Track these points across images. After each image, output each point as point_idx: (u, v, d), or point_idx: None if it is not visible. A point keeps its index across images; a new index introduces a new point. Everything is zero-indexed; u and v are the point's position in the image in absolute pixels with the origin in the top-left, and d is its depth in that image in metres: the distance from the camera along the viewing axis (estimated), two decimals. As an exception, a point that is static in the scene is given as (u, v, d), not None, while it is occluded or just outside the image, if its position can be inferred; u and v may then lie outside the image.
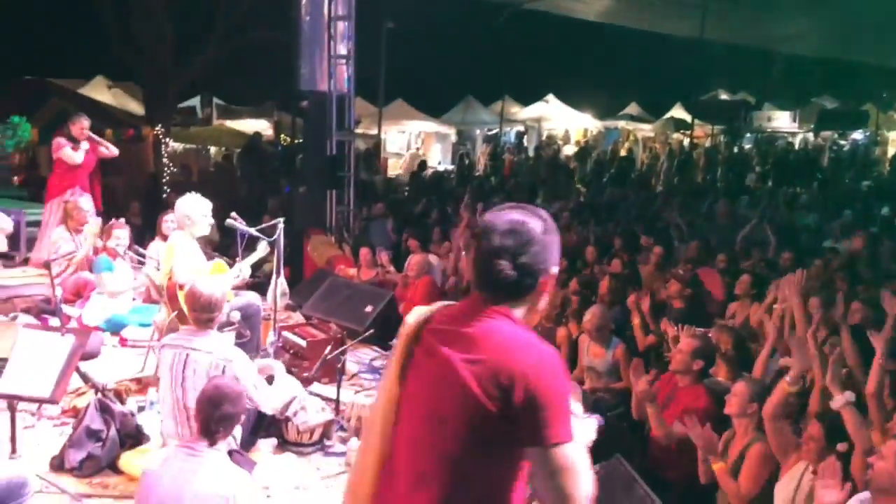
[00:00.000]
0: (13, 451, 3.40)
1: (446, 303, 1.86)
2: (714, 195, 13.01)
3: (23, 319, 5.74)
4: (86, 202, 7.30)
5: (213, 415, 2.83)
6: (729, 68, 25.20)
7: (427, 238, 8.87)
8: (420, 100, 22.21)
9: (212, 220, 5.27)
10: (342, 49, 9.64)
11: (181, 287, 4.95)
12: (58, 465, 3.78)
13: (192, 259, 5.09)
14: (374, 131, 18.91)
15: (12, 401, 3.31)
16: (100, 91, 17.32)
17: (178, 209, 5.21)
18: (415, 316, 1.83)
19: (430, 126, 23.06)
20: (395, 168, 21.50)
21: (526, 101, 23.97)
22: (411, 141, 24.32)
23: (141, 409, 4.42)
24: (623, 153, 21.93)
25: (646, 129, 24.51)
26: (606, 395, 4.94)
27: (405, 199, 13.78)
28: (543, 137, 24.65)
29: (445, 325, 1.75)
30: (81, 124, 7.56)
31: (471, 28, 21.18)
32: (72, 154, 7.37)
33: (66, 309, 6.28)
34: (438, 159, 24.34)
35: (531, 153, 22.25)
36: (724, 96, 26.08)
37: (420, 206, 11.83)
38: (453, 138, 24.55)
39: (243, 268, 5.24)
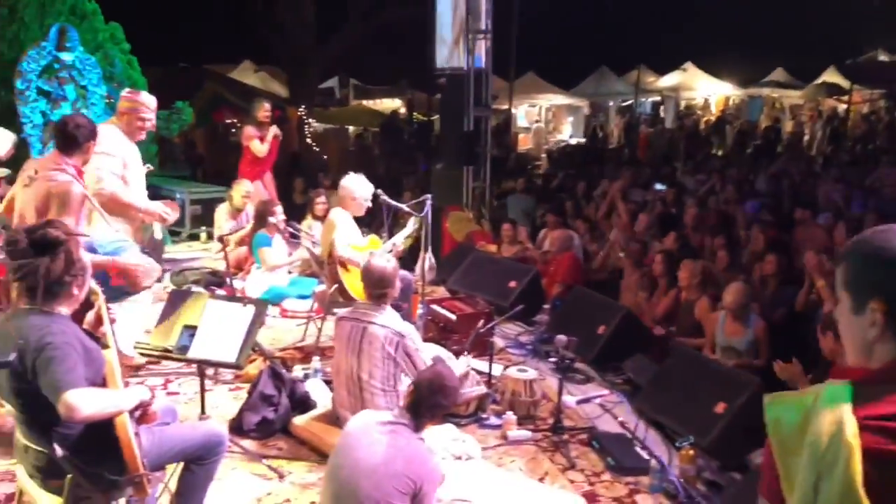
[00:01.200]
0: (203, 411, 3.69)
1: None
2: (875, 165, 12.01)
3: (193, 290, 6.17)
4: (247, 184, 7.69)
5: (427, 401, 2.85)
6: (889, 26, 23.06)
7: (563, 212, 8.77)
8: (551, 73, 21.85)
9: (369, 203, 5.47)
10: (480, 24, 9.64)
11: (342, 262, 5.18)
12: (236, 427, 4.07)
13: (350, 235, 5.30)
14: (505, 106, 18.84)
15: (201, 365, 3.58)
16: (247, 75, 18.26)
17: (342, 187, 5.43)
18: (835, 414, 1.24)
19: (562, 99, 22.69)
20: (524, 143, 21.35)
21: (662, 69, 23.02)
22: (542, 115, 24.03)
23: (306, 376, 4.67)
24: (767, 123, 20.66)
25: (794, 96, 22.93)
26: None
27: (537, 174, 13.68)
28: (681, 108, 23.63)
29: None
30: (265, 109, 7.96)
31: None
32: (259, 147, 7.78)
33: (229, 282, 6.75)
34: (570, 133, 23.93)
35: (668, 124, 21.41)
36: (883, 57, 23.93)
37: (556, 181, 11.70)
38: (586, 111, 24.04)
39: (396, 241, 5.39)
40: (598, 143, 19.36)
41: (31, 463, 2.60)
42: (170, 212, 4.91)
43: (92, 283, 2.72)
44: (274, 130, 7.90)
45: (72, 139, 4.09)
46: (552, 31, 21.03)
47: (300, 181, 10.29)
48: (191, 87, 13.94)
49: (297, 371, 4.76)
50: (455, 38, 9.92)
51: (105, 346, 2.65)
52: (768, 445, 1.32)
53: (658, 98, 24.00)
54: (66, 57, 8.17)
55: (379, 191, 5.50)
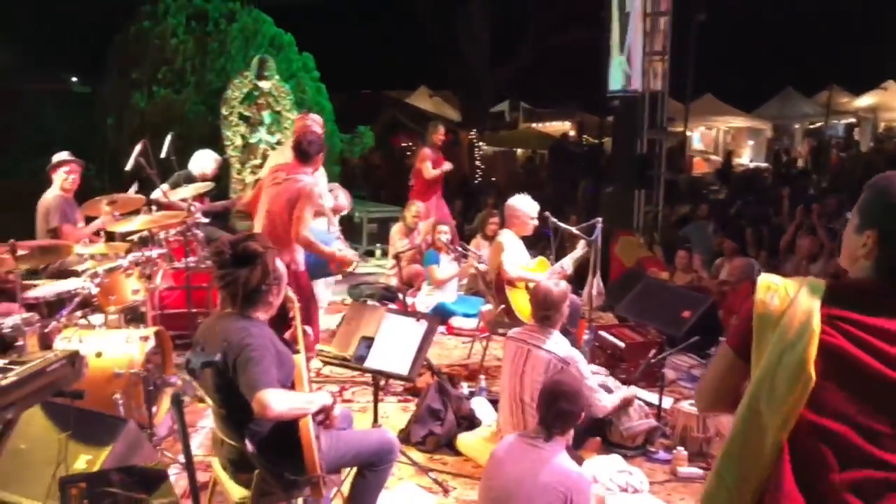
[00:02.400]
0: (375, 420, 3.86)
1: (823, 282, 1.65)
2: None
3: (370, 304, 6.48)
4: (419, 204, 7.98)
5: (551, 409, 2.92)
6: None
7: (742, 240, 8.27)
8: (731, 94, 20.84)
9: (536, 222, 5.48)
10: (657, 46, 9.42)
11: (510, 281, 5.22)
12: (404, 438, 4.21)
13: (518, 255, 5.35)
14: (680, 129, 18.19)
15: (376, 376, 3.75)
16: (422, 100, 19.01)
17: (508, 207, 5.50)
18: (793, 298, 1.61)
19: (742, 121, 21.55)
20: (699, 167, 20.47)
21: (858, 89, 21.23)
22: (719, 138, 22.95)
23: (472, 394, 4.74)
24: None
25: None
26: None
27: (719, 200, 13.04)
28: (880, 130, 21.64)
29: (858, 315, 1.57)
30: (440, 132, 8.35)
31: (791, 14, 19.34)
32: (430, 171, 8.15)
33: (401, 297, 7.03)
34: (750, 157, 22.65)
35: (864, 148, 19.66)
36: None
37: (735, 207, 11.10)
38: (768, 133, 22.66)
39: (565, 264, 5.36)
40: (781, 168, 18.15)
41: (224, 456, 2.85)
42: None
43: (288, 292, 2.95)
44: (447, 167, 8.19)
45: (305, 153, 4.75)
46: (733, 52, 20.10)
47: (459, 202, 10.52)
48: (371, 112, 14.73)
49: (464, 388, 4.84)
50: (630, 60, 9.77)
51: (296, 352, 2.86)
52: (748, 312, 1.66)
53: (853, 120, 22.14)
54: (264, 85, 8.95)
55: (547, 213, 5.50)
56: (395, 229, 7.80)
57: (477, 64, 16.45)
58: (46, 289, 4.28)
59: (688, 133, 18.79)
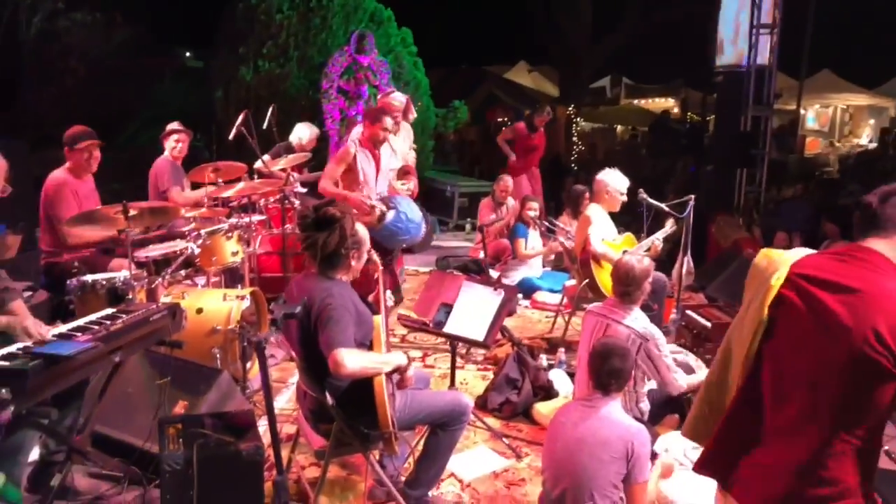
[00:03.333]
0: (452, 384, 3.98)
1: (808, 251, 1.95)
2: None
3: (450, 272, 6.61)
4: (508, 178, 8.04)
5: (603, 368, 2.95)
6: None
7: (849, 224, 7.86)
8: (851, 70, 19.58)
9: (625, 198, 5.42)
10: (767, 18, 8.99)
11: (595, 257, 5.21)
12: (481, 404, 4.31)
13: (605, 231, 5.31)
14: (792, 106, 17.29)
15: (454, 341, 3.86)
16: (521, 75, 18.87)
17: (597, 181, 5.46)
18: (775, 260, 1.94)
19: (863, 99, 20.23)
20: (813, 147, 19.42)
21: None
22: (836, 117, 21.64)
23: (550, 366, 4.79)
24: None
25: None
26: None
27: (829, 182, 12.39)
28: None
29: (820, 273, 1.83)
30: (545, 117, 8.48)
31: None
32: (504, 146, 8.59)
33: (490, 270, 7.12)
34: (869, 137, 21.27)
35: None
36: None
37: (846, 190, 10.52)
38: (892, 112, 21.19)
39: (655, 240, 5.29)
40: (889, 150, 16.96)
41: (307, 407, 3.03)
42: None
43: (373, 255, 3.09)
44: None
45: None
46: (854, 25, 18.84)
47: (571, 179, 10.46)
48: (469, 87, 14.79)
49: (543, 360, 4.89)
50: (737, 33, 9.37)
51: (375, 313, 3.00)
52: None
53: None
54: (363, 59, 9.15)
55: (640, 190, 5.43)
56: (484, 203, 7.87)
57: (577, 39, 16.17)
58: (154, 248, 4.61)
59: (801, 111, 17.86)
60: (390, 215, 5.18)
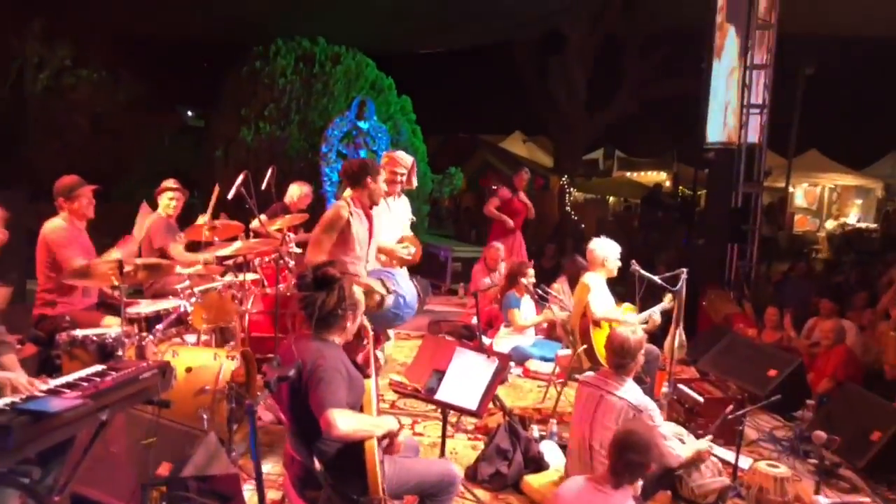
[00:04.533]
0: (442, 454, 3.92)
1: None
2: None
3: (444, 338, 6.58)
4: (499, 244, 8.10)
5: (621, 458, 2.91)
6: None
7: (843, 301, 7.91)
8: (838, 151, 20.03)
9: (619, 263, 5.47)
10: (757, 98, 9.25)
11: (595, 321, 5.20)
12: (471, 475, 4.23)
13: (605, 299, 5.33)
14: (781, 184, 17.61)
15: (445, 409, 3.82)
16: (516, 145, 19.21)
17: (590, 251, 5.51)
18: None
19: (849, 179, 20.65)
20: (801, 224, 19.70)
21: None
22: (824, 195, 22.03)
23: (542, 437, 4.72)
24: None
25: None
26: None
27: (820, 259, 12.53)
28: None
29: None
30: (522, 177, 8.63)
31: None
32: (490, 209, 8.72)
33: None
34: (857, 216, 21.61)
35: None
36: None
37: (840, 268, 10.64)
38: (879, 193, 21.59)
39: (653, 314, 5.31)
40: (893, 230, 17.24)
41: (294, 473, 2.97)
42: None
43: (364, 321, 3.08)
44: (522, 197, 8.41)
45: (349, 174, 4.69)
46: (842, 107, 19.38)
47: (552, 247, 10.54)
48: (464, 155, 15.04)
49: (534, 431, 4.83)
50: (728, 112, 9.61)
51: (366, 377, 2.98)
52: None
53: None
54: (363, 125, 9.34)
55: (633, 261, 5.47)
56: (476, 269, 7.91)
57: (572, 111, 16.55)
58: (147, 305, 4.58)
59: (790, 189, 18.17)
60: (390, 300, 4.54)
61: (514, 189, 8.72)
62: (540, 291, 6.26)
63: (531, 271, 6.69)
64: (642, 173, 21.16)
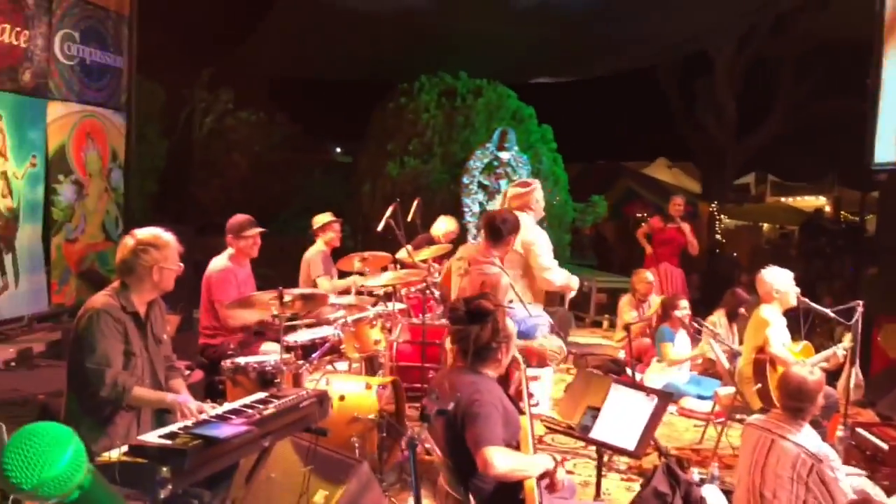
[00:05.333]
0: (598, 495, 3.74)
1: None
2: None
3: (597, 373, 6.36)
4: (649, 274, 7.78)
5: None
6: None
7: None
8: None
9: (797, 291, 5.05)
10: (937, 113, 8.39)
11: (772, 361, 4.81)
12: (626, 517, 4.01)
13: (782, 335, 4.94)
14: (965, 206, 15.90)
15: (600, 448, 3.65)
16: (660, 171, 18.61)
17: (762, 282, 5.13)
18: None
19: None
20: None
21: None
22: None
23: (703, 481, 4.41)
24: None
25: None
26: None
27: None
28: None
29: None
30: (676, 202, 8.30)
31: None
32: (642, 239, 8.46)
33: (628, 371, 6.81)
34: None
35: None
36: None
37: None
38: None
39: (837, 352, 4.86)
40: None
41: (448, 508, 2.91)
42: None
43: (516, 354, 3.00)
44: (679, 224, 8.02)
45: (497, 231, 4.68)
46: None
47: (695, 276, 10.01)
48: (606, 182, 14.73)
49: (694, 474, 4.52)
50: (899, 129, 8.79)
51: (521, 413, 2.88)
52: None
53: None
54: (503, 155, 9.36)
55: (798, 293, 5.06)
56: (625, 300, 7.63)
57: (721, 134, 15.83)
58: (303, 334, 4.74)
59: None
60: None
61: (669, 217, 8.35)
62: (696, 325, 5.92)
63: (685, 303, 6.36)
64: (798, 198, 19.81)
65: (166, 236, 3.30)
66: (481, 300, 2.93)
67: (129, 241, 3.26)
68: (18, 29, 6.59)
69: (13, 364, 6.39)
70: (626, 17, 9.91)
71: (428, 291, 5.84)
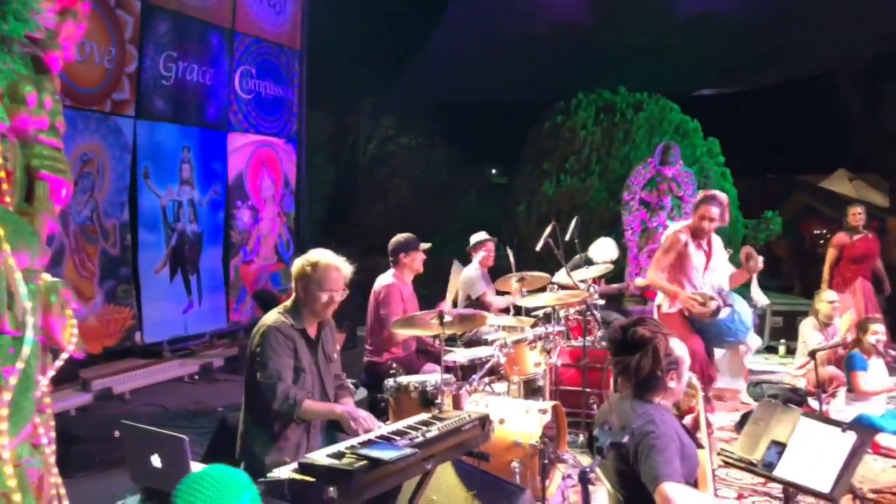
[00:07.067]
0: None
1: None
2: None
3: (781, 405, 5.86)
4: (832, 294, 7.08)
5: None
6: None
7: None
8: None
9: None
10: None
11: None
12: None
13: None
14: None
15: (788, 488, 3.30)
16: (840, 184, 17.09)
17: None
18: None
19: None
20: None
21: None
22: None
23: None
24: None
25: None
26: None
27: None
28: None
29: None
30: (854, 211, 7.59)
31: None
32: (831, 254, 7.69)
33: (811, 402, 6.22)
34: None
35: None
36: None
37: None
38: None
39: None
40: None
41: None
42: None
43: (693, 380, 2.78)
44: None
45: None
46: None
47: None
48: (779, 197, 13.75)
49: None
50: None
51: (700, 447, 2.66)
52: None
53: None
54: (667, 171, 8.96)
55: None
56: (807, 323, 6.98)
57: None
58: (463, 354, 4.73)
59: None
60: (725, 312, 4.93)
61: (852, 229, 7.57)
62: (893, 353, 5.30)
63: (881, 327, 5.72)
64: None
65: (335, 261, 3.38)
66: (639, 326, 2.72)
67: (301, 262, 3.38)
68: (204, 68, 7.18)
69: (196, 377, 6.90)
70: (796, 21, 9.23)
71: (588, 313, 5.66)
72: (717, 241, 5.42)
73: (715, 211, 5.04)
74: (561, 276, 6.10)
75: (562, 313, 6.06)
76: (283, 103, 8.38)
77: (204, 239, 7.28)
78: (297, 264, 3.41)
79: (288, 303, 3.40)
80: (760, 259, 5.18)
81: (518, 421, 4.16)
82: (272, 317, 3.31)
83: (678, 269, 5.08)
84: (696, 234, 5.08)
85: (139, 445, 2.70)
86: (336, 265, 3.36)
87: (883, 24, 10.20)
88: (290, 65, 8.44)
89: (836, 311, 6.72)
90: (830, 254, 7.72)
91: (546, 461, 4.06)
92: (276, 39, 8.21)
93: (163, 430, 2.67)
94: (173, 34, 6.89)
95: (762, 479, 3.91)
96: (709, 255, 5.14)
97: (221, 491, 1.33)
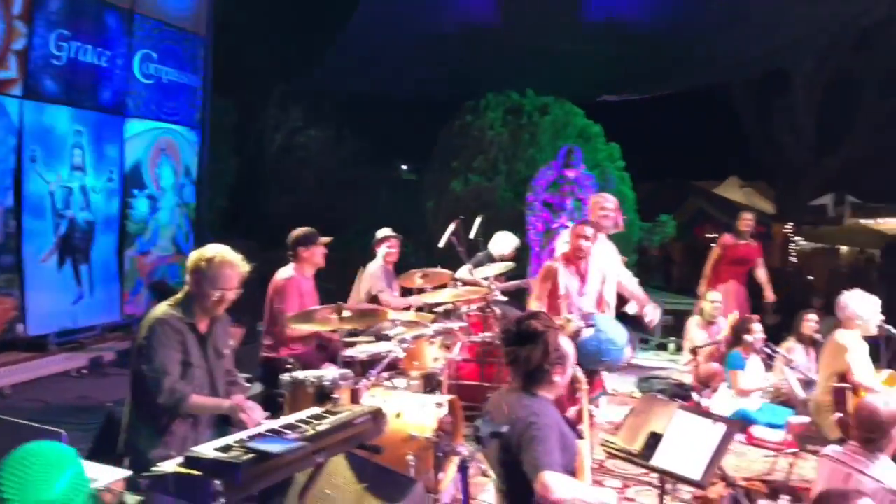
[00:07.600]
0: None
1: None
2: None
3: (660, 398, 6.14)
4: (717, 294, 7.48)
5: None
6: None
7: None
8: None
9: (881, 318, 4.79)
10: None
11: (856, 388, 4.57)
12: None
13: (864, 363, 4.67)
14: None
15: (662, 476, 3.50)
16: (732, 190, 18.10)
17: (845, 307, 4.88)
18: None
19: None
20: None
21: None
22: None
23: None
24: None
25: None
26: None
27: None
28: None
29: None
30: (746, 219, 7.98)
31: None
32: (714, 254, 8.04)
33: (694, 396, 6.56)
34: None
35: None
36: None
37: None
38: None
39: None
40: None
41: (501, 532, 2.83)
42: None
43: (578, 373, 2.90)
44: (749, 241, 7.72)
45: None
46: None
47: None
48: (675, 202, 14.41)
49: (763, 506, 4.31)
50: None
51: (580, 437, 2.78)
52: None
53: None
54: (569, 173, 9.23)
55: (881, 318, 4.79)
56: (693, 322, 7.37)
57: (798, 153, 15.29)
58: (362, 349, 4.74)
59: None
60: (587, 332, 4.77)
61: (739, 233, 8.00)
62: (768, 351, 5.67)
63: (758, 327, 6.10)
64: (881, 220, 18.91)
65: (231, 258, 3.31)
66: (531, 320, 2.84)
67: (195, 256, 3.31)
68: (100, 50, 6.88)
69: (84, 371, 6.61)
70: (698, 34, 9.70)
71: (488, 309, 5.78)
72: (606, 252, 5.55)
73: (588, 230, 5.07)
74: (463, 272, 6.21)
75: (463, 309, 6.17)
76: (186, 90, 8.14)
77: (96, 227, 6.99)
78: (192, 258, 3.33)
79: (179, 295, 3.33)
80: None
81: (414, 414, 4.21)
82: (161, 309, 3.23)
83: (554, 297, 5.04)
84: (574, 257, 5.08)
85: (14, 441, 2.59)
86: (231, 262, 3.30)
87: (776, 41, 10.82)
88: (194, 51, 8.20)
89: (717, 311, 7.12)
90: (714, 252, 8.14)
91: (440, 454, 4.12)
92: (180, 24, 7.96)
93: (39, 425, 2.57)
94: (67, 12, 6.57)
95: (644, 470, 4.11)
96: (584, 280, 5.12)
97: (46, 468, 1.32)
